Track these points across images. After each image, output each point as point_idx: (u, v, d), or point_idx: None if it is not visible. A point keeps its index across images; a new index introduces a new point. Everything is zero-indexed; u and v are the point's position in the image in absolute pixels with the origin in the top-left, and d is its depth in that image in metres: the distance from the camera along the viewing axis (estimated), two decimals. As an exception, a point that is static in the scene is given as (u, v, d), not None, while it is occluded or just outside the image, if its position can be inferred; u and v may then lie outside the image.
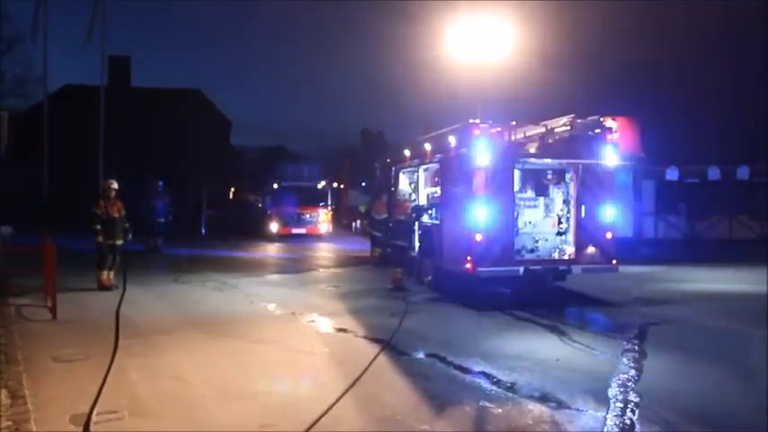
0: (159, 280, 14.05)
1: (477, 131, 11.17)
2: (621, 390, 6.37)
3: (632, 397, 6.15)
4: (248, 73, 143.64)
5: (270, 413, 5.73)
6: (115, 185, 12.89)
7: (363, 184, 28.44)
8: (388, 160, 17.39)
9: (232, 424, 5.46)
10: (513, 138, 11.42)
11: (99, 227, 12.30)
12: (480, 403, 5.97)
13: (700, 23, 23.94)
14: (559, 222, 11.94)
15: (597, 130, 11.40)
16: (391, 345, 8.17)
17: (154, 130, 36.36)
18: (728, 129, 23.86)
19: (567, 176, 11.90)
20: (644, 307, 11.08)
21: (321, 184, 27.56)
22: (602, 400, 6.07)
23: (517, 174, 11.71)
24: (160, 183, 20.70)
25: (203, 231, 30.62)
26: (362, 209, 27.18)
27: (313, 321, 9.85)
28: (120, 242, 12.59)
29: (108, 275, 12.38)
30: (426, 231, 13.86)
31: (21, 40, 31.37)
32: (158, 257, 18.56)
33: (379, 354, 7.74)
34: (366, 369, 7.03)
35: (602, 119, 11.51)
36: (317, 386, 6.58)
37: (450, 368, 7.17)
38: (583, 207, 11.61)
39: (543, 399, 6.10)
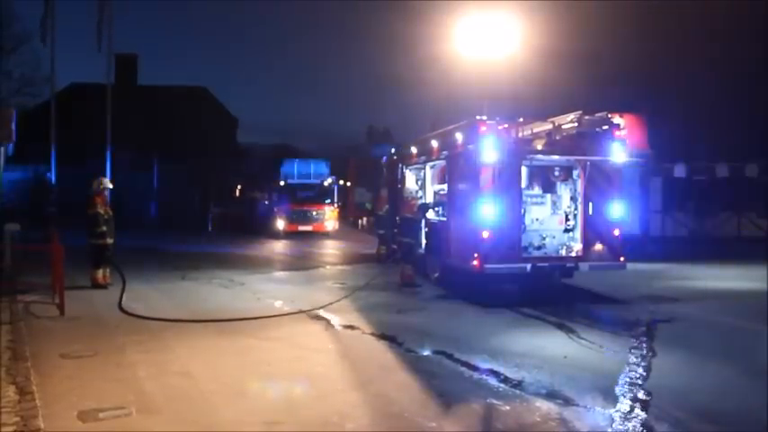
0: (166, 277, 14.08)
1: (484, 128, 11.14)
2: (630, 387, 6.33)
3: (641, 394, 6.11)
4: (255, 71, 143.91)
5: (277, 410, 5.73)
6: (110, 184, 12.91)
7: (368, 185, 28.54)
8: (395, 157, 17.37)
9: (239, 421, 5.45)
10: (520, 134, 11.36)
11: (105, 228, 12.21)
12: (488, 400, 5.95)
13: (709, 18, 23.79)
14: (567, 219, 11.88)
15: (605, 127, 11.30)
16: (397, 340, 8.18)
17: (161, 127, 36.48)
18: (737, 125, 23.70)
19: (575, 173, 11.84)
20: (652, 304, 11.02)
21: (328, 182, 27.54)
22: (611, 397, 6.04)
23: (524, 170, 11.66)
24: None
25: (210, 228, 30.70)
26: (369, 206, 27.20)
27: (320, 318, 9.84)
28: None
29: (104, 274, 12.32)
30: (433, 228, 13.83)
31: (28, 39, 31.57)
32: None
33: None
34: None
35: (609, 115, 11.40)
36: (325, 383, 6.57)
37: (458, 365, 7.15)
38: (590, 204, 11.56)
39: (551, 396, 6.07)
